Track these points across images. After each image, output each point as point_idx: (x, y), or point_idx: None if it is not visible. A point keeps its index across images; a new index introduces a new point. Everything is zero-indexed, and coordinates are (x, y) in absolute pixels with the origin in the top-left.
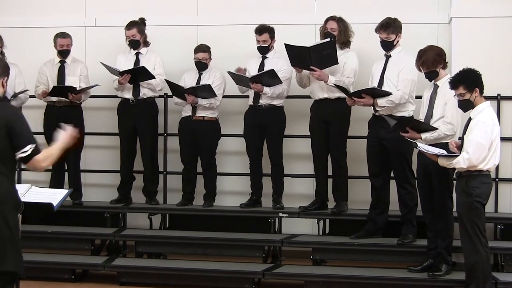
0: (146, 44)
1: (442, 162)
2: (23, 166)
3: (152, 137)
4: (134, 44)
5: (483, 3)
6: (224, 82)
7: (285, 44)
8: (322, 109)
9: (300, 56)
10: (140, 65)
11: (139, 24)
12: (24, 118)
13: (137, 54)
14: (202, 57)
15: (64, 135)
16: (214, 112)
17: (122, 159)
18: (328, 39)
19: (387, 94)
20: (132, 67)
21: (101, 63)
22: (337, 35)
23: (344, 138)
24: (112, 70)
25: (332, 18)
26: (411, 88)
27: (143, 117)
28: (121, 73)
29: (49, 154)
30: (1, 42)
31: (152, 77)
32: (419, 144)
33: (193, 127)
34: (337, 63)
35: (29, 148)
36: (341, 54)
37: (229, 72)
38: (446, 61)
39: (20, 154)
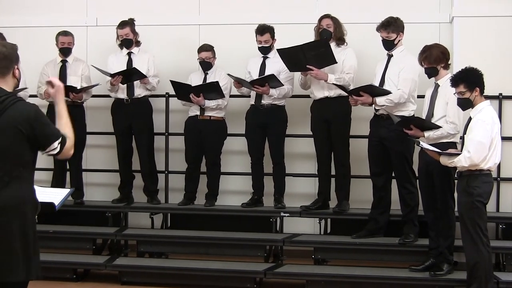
0: (138, 43)
1: (443, 160)
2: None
3: (148, 136)
4: (127, 43)
5: (485, 2)
6: (230, 81)
7: (277, 50)
8: (322, 109)
9: (294, 58)
10: (133, 64)
11: (131, 24)
12: (42, 113)
13: (129, 54)
14: (206, 56)
15: (56, 95)
16: (221, 112)
17: (119, 159)
18: (321, 39)
19: (386, 92)
20: (124, 67)
21: (92, 65)
22: (332, 31)
23: (346, 137)
24: (104, 72)
25: (326, 16)
26: (411, 87)
27: (138, 117)
28: (112, 75)
29: (70, 136)
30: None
31: (144, 76)
32: (421, 142)
33: (199, 127)
34: (336, 62)
35: (57, 144)
36: (339, 51)
37: (229, 75)
38: (449, 62)
39: (50, 152)
